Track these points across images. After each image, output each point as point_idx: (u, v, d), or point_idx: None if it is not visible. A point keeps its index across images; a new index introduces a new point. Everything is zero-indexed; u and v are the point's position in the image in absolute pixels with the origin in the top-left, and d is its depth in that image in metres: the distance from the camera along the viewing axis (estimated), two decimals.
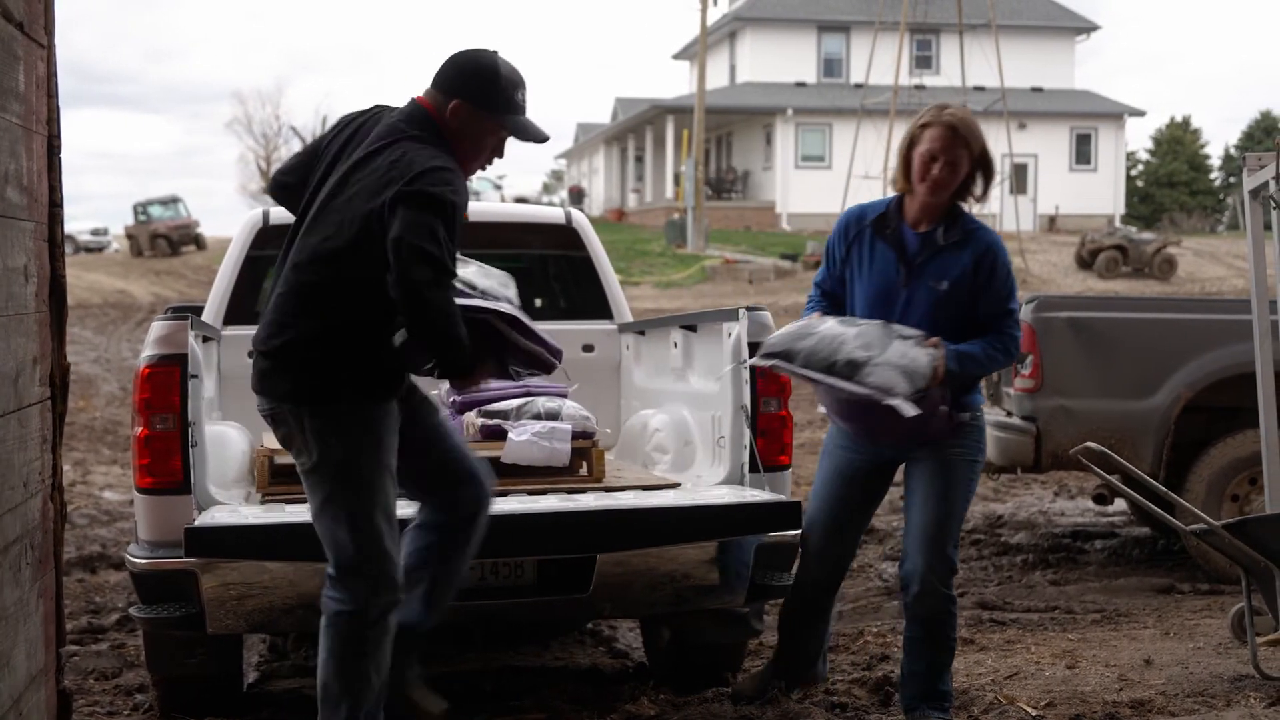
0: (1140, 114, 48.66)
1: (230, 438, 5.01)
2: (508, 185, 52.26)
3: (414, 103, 3.73)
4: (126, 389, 16.66)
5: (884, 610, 6.46)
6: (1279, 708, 4.50)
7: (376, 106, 3.85)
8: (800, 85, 47.56)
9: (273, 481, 4.64)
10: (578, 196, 55.34)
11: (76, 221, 47.87)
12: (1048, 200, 45.38)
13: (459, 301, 3.58)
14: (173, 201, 44.93)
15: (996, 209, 37.46)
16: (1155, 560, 7.66)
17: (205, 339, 4.97)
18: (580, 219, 6.36)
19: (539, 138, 3.78)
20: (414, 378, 3.82)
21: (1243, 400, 6.13)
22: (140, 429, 4.22)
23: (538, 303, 6.52)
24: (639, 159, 51.95)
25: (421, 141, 3.62)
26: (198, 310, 5.76)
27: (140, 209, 44.22)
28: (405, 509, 3.83)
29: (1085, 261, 34.81)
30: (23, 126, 3.18)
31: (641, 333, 5.93)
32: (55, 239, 3.51)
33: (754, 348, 4.63)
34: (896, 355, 3.99)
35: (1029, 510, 9.32)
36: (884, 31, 41.50)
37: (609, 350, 6.16)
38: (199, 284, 32.94)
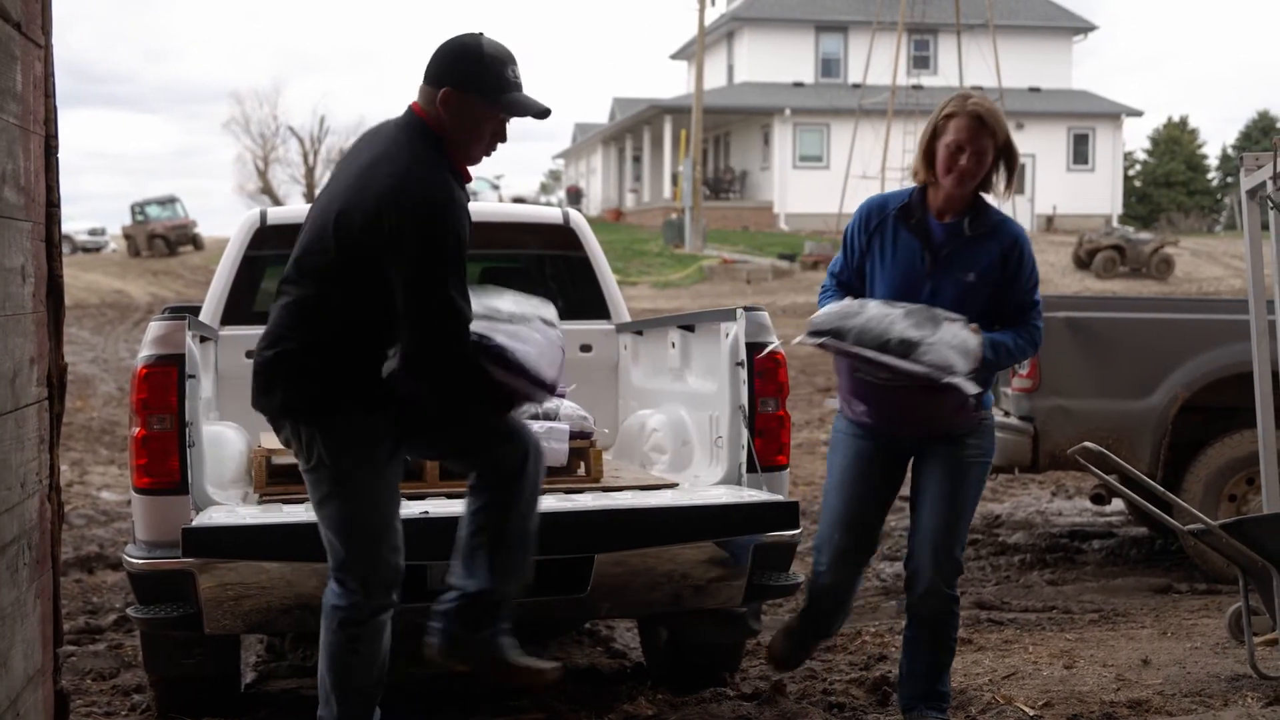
0: (1138, 114, 48.70)
1: (227, 438, 5.01)
2: (505, 185, 52.30)
3: (406, 109, 3.68)
4: (124, 389, 16.65)
5: (882, 610, 6.46)
6: (1276, 707, 4.51)
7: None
8: (798, 85, 47.57)
9: (270, 482, 4.64)
10: (575, 196, 55.33)
11: (74, 221, 47.85)
12: (1045, 200, 45.41)
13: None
14: (170, 201, 44.93)
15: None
16: (1153, 560, 7.66)
17: (203, 339, 4.97)
18: (578, 219, 6.36)
19: (537, 111, 3.63)
20: None
21: (1240, 400, 6.13)
22: (138, 429, 4.22)
23: None
24: (637, 159, 51.94)
25: (390, 150, 3.55)
26: (195, 310, 5.77)
27: (138, 209, 44.21)
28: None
29: (1083, 261, 34.82)
30: (20, 126, 3.18)
31: (639, 333, 5.93)
32: (52, 239, 3.50)
33: (752, 348, 4.64)
34: (949, 336, 3.94)
35: (1027, 510, 9.32)
36: (882, 31, 41.52)
37: (607, 350, 6.16)
38: (196, 284, 32.94)
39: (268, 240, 5.88)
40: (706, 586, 4.48)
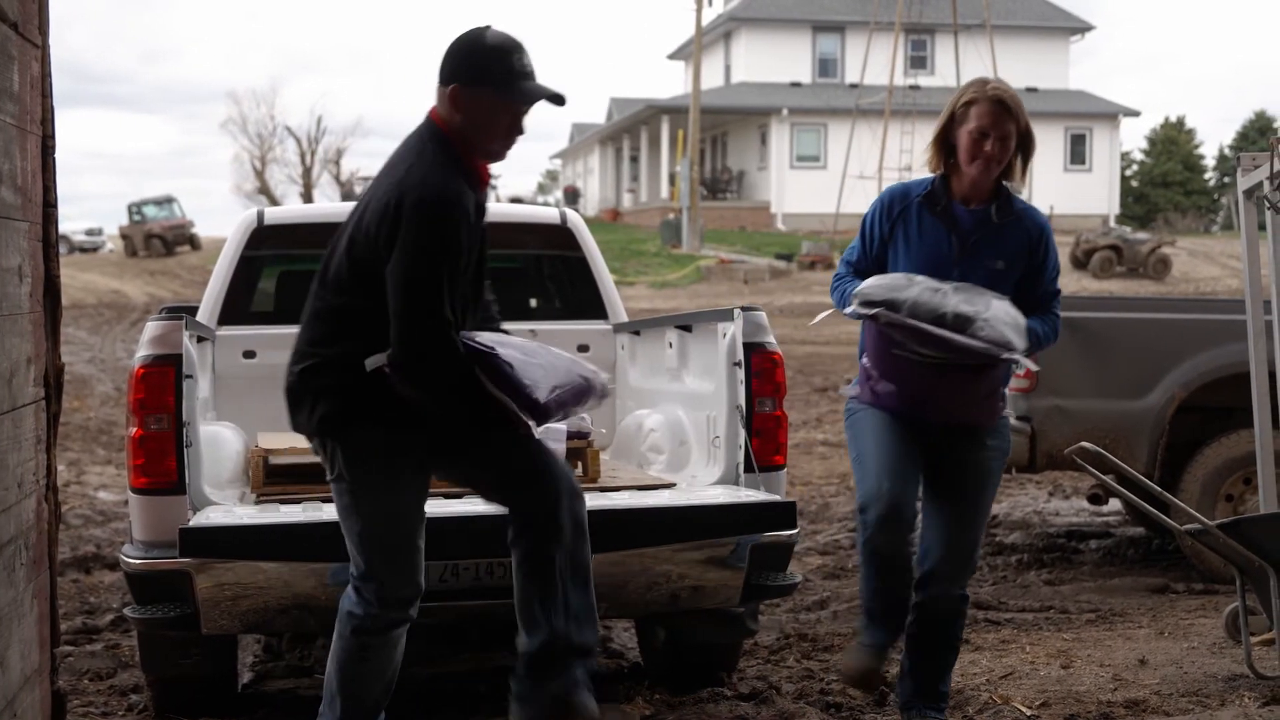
0: (1135, 114, 48.75)
1: (225, 438, 5.00)
2: (503, 185, 52.35)
3: (425, 115, 3.64)
4: (121, 389, 16.63)
5: None
6: (1273, 707, 4.51)
7: None
8: (795, 85, 47.58)
9: (267, 482, 4.64)
10: (573, 196, 55.33)
11: (71, 221, 47.80)
12: (1042, 200, 45.34)
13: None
14: (167, 202, 44.92)
15: None
16: (1150, 560, 7.66)
17: (200, 339, 4.97)
18: (575, 219, 6.36)
19: (550, 96, 3.54)
20: None
21: (1237, 400, 6.14)
22: (135, 429, 4.21)
23: (532, 303, 6.52)
24: (634, 159, 51.96)
25: (406, 156, 3.54)
26: (192, 310, 5.77)
27: (135, 209, 44.20)
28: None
29: (1080, 261, 34.83)
30: (17, 126, 3.18)
31: (637, 333, 5.93)
32: (49, 239, 3.50)
33: (749, 347, 4.64)
34: (1002, 312, 3.89)
35: (1024, 510, 9.33)
36: (879, 32, 41.55)
37: (604, 350, 6.15)
38: (194, 284, 32.93)
39: (265, 240, 5.88)
40: (704, 586, 4.48)
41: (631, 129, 50.07)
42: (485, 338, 3.58)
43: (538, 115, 3.69)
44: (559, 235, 6.28)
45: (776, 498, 4.53)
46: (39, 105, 3.42)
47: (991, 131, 4.02)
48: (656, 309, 24.54)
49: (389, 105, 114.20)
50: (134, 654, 5.29)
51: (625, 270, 34.03)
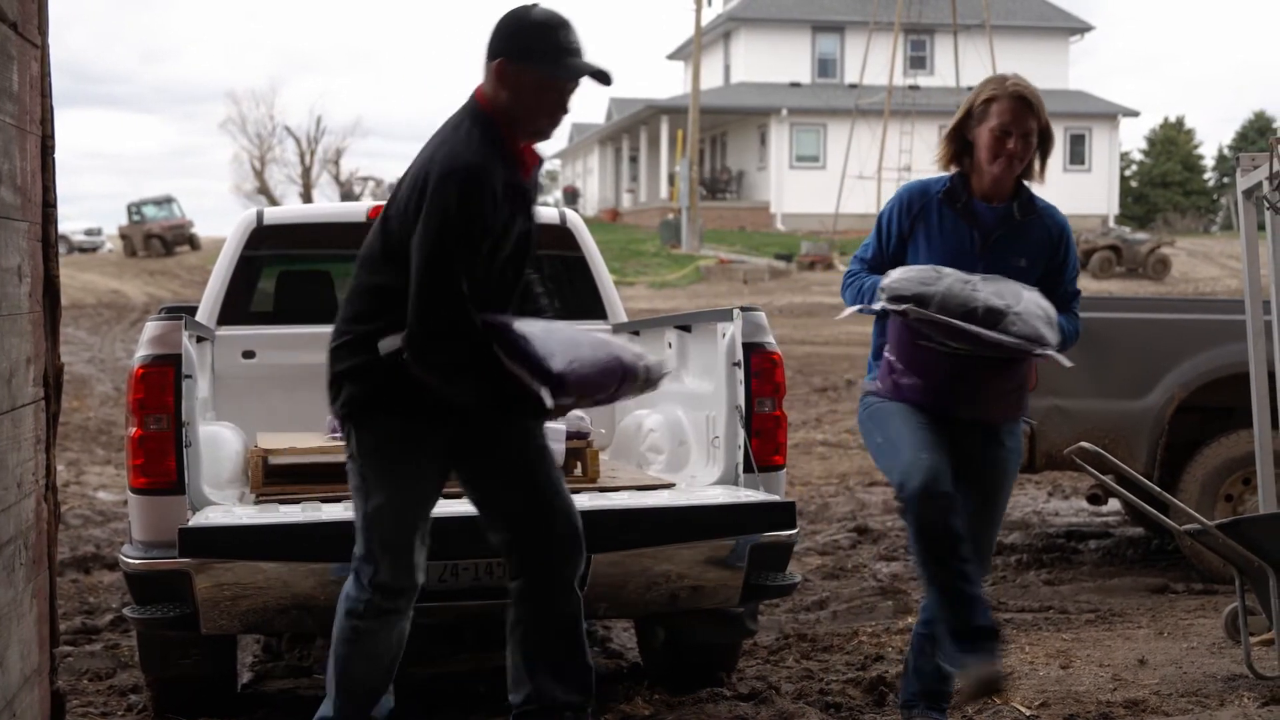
0: (1134, 114, 48.75)
1: (224, 438, 5.01)
2: None
3: (470, 94, 3.62)
4: (120, 389, 16.63)
5: (878, 610, 6.46)
6: (1272, 707, 4.51)
7: None
8: (795, 85, 47.59)
9: (266, 482, 4.64)
10: (572, 196, 55.33)
11: (70, 221, 47.79)
12: None
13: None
14: (167, 202, 44.92)
15: None
16: (1149, 560, 7.66)
17: (199, 339, 4.97)
18: (575, 219, 6.36)
19: (595, 74, 3.48)
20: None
21: (1236, 400, 6.14)
22: (134, 429, 4.22)
23: None
24: (634, 159, 51.96)
25: (445, 134, 3.53)
26: (192, 310, 5.77)
27: (134, 209, 44.20)
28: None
29: (1079, 262, 34.83)
30: (16, 126, 3.18)
31: (636, 333, 5.93)
32: (49, 239, 3.50)
33: (749, 348, 4.64)
34: (1033, 305, 3.83)
35: (1023, 510, 9.33)
36: (878, 32, 41.56)
37: None
38: (193, 284, 32.92)
39: (264, 240, 5.88)
40: (703, 586, 4.48)
41: (631, 129, 50.08)
42: (506, 317, 3.54)
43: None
44: (558, 235, 6.28)
45: (776, 498, 4.53)
46: (38, 105, 3.42)
47: (1014, 129, 3.99)
48: (656, 309, 24.53)
49: (388, 105, 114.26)
50: (133, 654, 5.28)
51: (625, 270, 34.04)
